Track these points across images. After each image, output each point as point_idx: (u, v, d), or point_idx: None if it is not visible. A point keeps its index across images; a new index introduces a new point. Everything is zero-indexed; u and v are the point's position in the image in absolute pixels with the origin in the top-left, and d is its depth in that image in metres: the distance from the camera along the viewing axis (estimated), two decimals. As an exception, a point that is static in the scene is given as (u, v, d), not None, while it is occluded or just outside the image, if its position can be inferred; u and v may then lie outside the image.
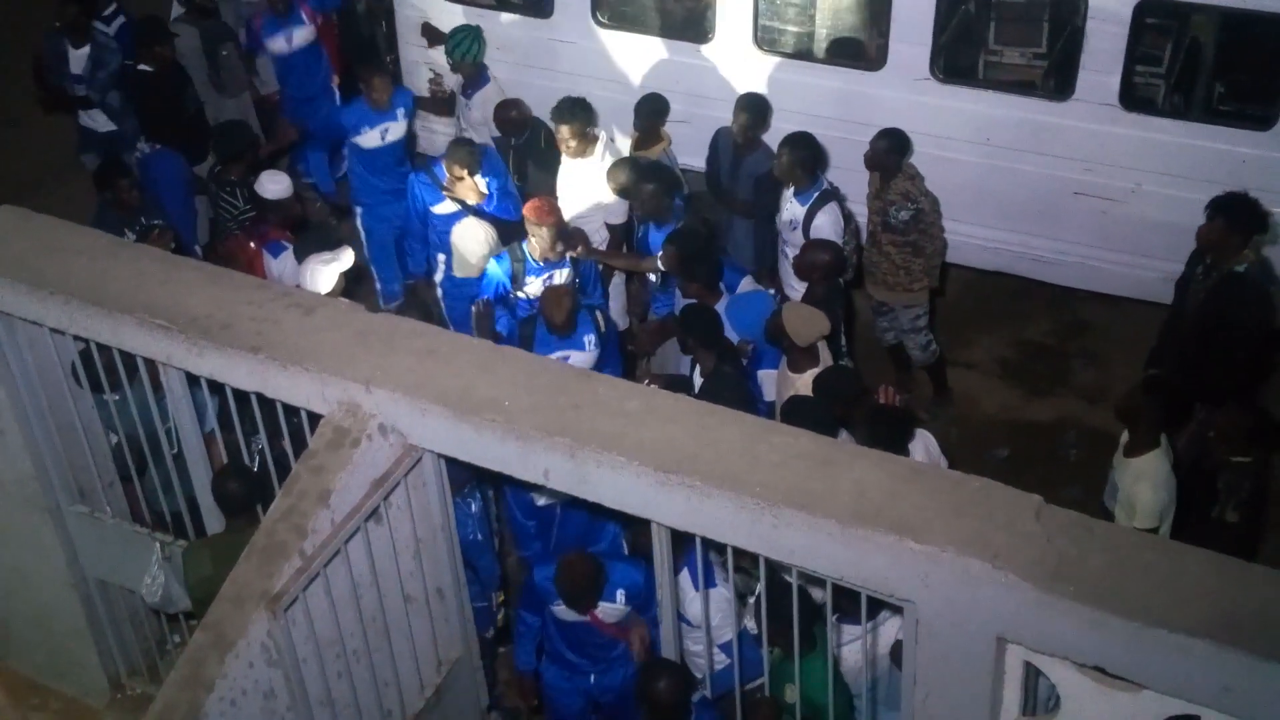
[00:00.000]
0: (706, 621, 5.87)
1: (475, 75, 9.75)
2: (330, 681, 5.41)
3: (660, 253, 8.06)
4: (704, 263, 7.83)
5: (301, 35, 10.54)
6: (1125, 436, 6.72)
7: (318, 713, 5.38)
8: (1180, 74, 8.81)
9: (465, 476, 6.21)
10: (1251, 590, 4.13)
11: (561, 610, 6.44)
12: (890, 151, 8.38)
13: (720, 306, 7.67)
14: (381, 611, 5.60)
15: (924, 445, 6.78)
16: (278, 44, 10.54)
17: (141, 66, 9.90)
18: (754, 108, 8.78)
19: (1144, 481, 6.46)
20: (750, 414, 6.87)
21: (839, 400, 6.81)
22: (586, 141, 8.79)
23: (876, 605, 5.07)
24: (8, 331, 6.18)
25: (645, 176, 8.39)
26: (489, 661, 6.81)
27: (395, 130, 9.64)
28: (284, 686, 5.17)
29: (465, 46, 9.66)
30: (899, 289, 8.71)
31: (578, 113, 8.76)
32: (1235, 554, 6.69)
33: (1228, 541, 6.87)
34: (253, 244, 8.41)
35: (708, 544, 4.94)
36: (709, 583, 5.75)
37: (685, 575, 5.72)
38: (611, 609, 6.37)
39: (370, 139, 9.57)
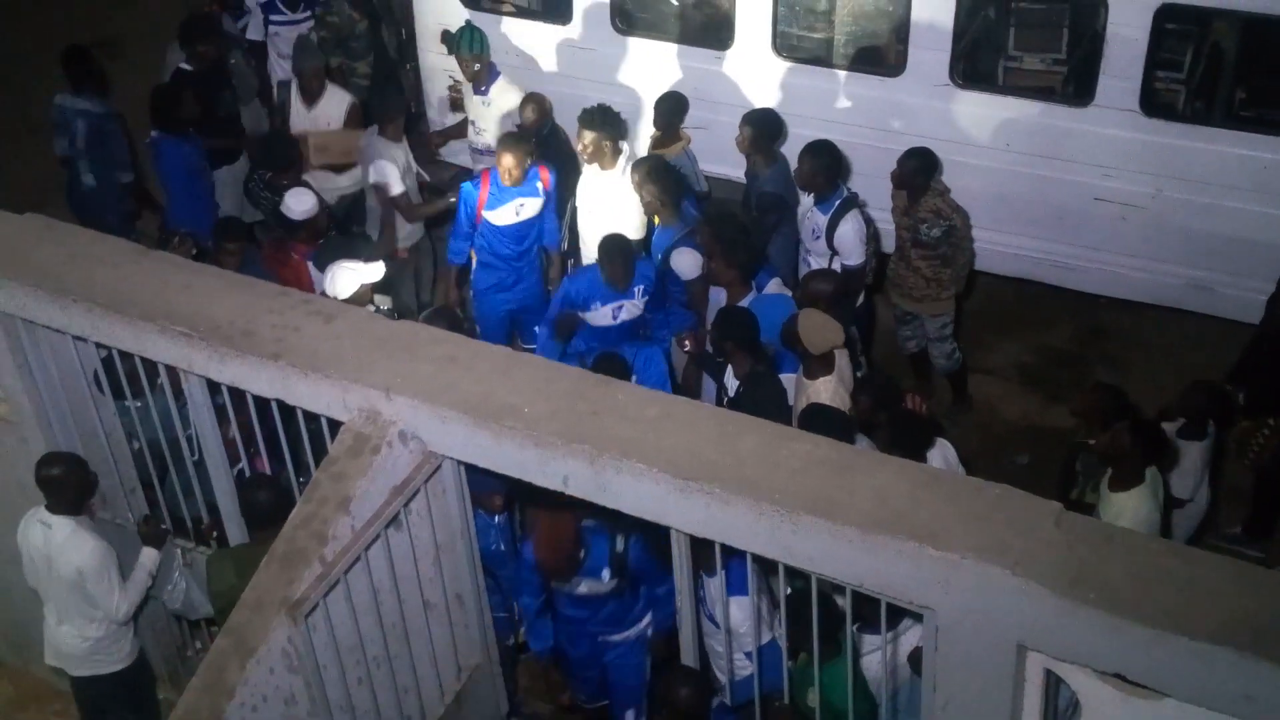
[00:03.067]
0: (726, 626, 5.86)
1: (486, 71, 9.75)
2: (351, 688, 5.43)
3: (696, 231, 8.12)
4: (744, 249, 7.83)
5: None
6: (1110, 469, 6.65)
7: (338, 719, 5.39)
8: (1201, 79, 8.78)
9: (495, 488, 6.23)
10: (1273, 597, 4.11)
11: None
12: (919, 171, 8.32)
13: (748, 301, 7.69)
14: (402, 618, 5.62)
15: (942, 454, 6.76)
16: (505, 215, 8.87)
17: (183, 65, 9.92)
18: (756, 121, 8.71)
19: (1124, 519, 6.33)
20: (789, 415, 6.95)
21: (877, 403, 6.81)
22: (611, 154, 8.76)
23: (898, 615, 5.07)
24: (31, 339, 6.23)
25: (648, 178, 8.36)
26: (509, 669, 6.81)
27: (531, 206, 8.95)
28: (304, 693, 5.19)
29: (469, 39, 9.66)
30: (927, 300, 8.68)
31: (605, 122, 8.73)
32: None
33: None
34: (295, 256, 8.45)
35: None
36: (741, 590, 5.73)
37: (721, 578, 5.70)
38: (597, 584, 6.32)
39: (505, 215, 8.85)
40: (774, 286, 7.96)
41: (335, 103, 9.94)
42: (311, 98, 9.91)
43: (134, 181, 9.89)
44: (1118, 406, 6.77)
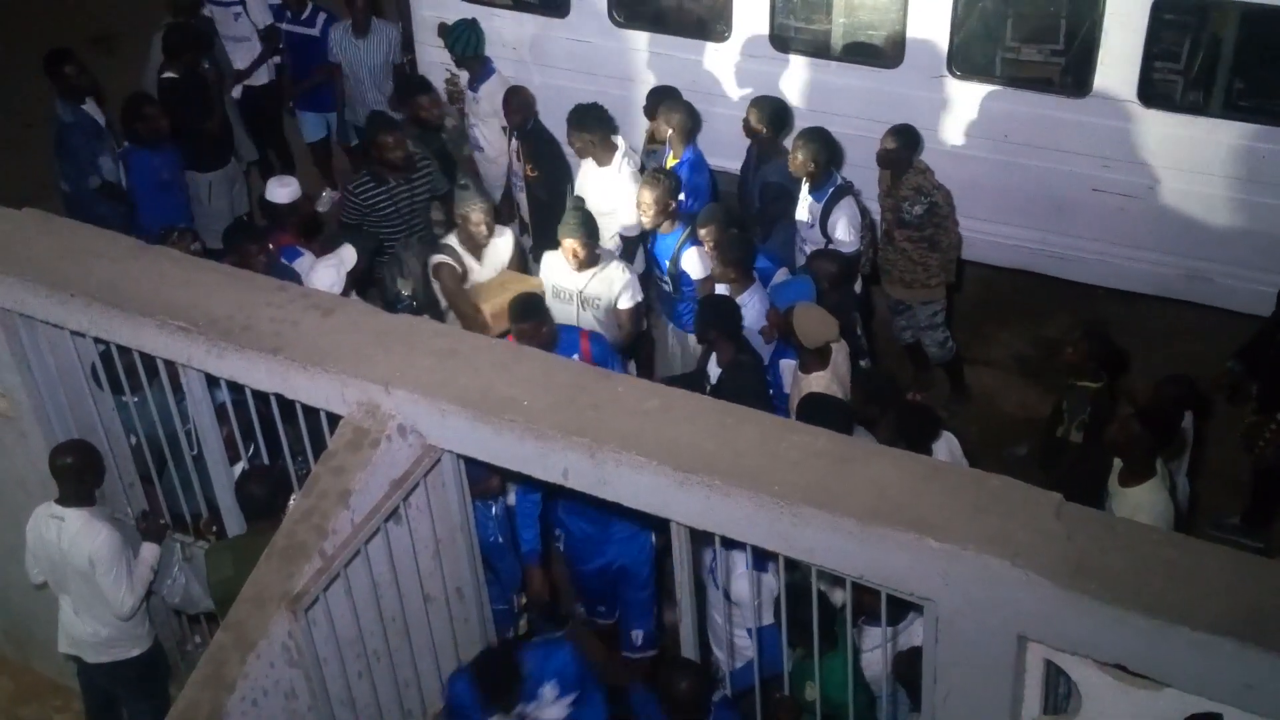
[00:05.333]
0: (727, 604, 5.87)
1: (480, 68, 9.72)
2: (351, 681, 5.43)
3: (700, 230, 8.01)
4: (741, 245, 7.83)
5: None
6: (1119, 462, 6.64)
7: (339, 712, 5.40)
8: (1198, 69, 8.76)
9: (485, 477, 6.22)
10: (1273, 587, 4.12)
11: None
12: (902, 149, 8.36)
13: (753, 293, 7.69)
14: (401, 611, 5.62)
15: (948, 446, 6.77)
16: None
17: (167, 74, 9.84)
18: (762, 105, 8.72)
19: (1141, 514, 6.34)
20: (768, 405, 6.96)
21: (876, 402, 6.83)
22: (605, 150, 8.74)
23: (903, 610, 5.07)
24: (29, 334, 6.22)
25: (649, 186, 8.21)
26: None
27: None
28: (305, 686, 5.19)
29: (465, 40, 9.64)
30: (916, 286, 8.69)
31: (589, 121, 8.69)
32: (1078, 469, 7.00)
33: (1072, 459, 7.23)
34: (271, 246, 8.39)
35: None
36: (759, 566, 5.72)
37: (737, 552, 5.70)
38: (544, 710, 5.89)
39: None
40: (780, 277, 7.97)
41: (504, 242, 8.35)
42: (480, 248, 8.22)
43: (109, 183, 9.49)
44: (1107, 353, 7.14)
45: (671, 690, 5.52)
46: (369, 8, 10.47)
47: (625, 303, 7.98)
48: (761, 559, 5.54)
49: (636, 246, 8.78)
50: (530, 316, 7.14)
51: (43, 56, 9.66)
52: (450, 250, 8.14)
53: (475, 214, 8.04)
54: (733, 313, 7.36)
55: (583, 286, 7.90)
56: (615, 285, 7.95)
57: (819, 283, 7.66)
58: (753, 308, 7.69)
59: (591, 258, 7.85)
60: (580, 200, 8.51)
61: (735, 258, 7.72)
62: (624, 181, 8.64)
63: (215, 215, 9.89)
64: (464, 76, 9.97)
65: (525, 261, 8.72)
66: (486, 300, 8.00)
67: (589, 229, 7.87)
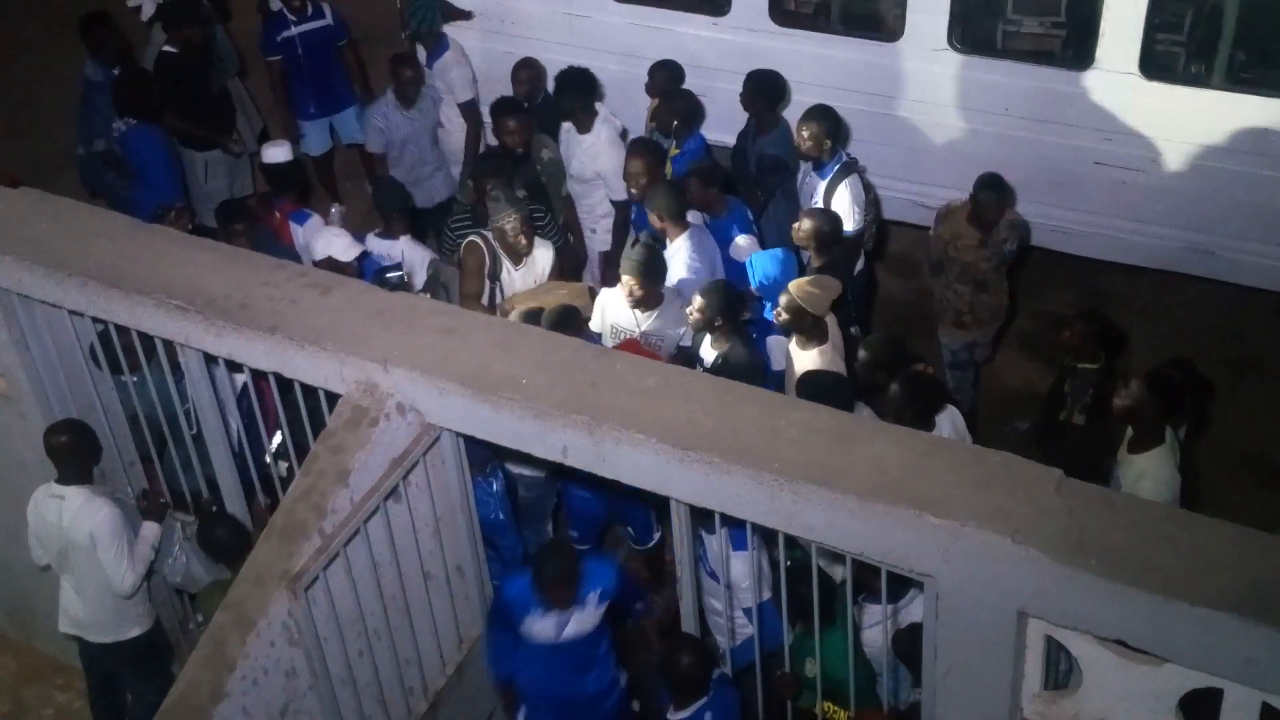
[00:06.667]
0: (727, 581, 5.86)
1: (435, 43, 9.65)
2: (351, 660, 5.44)
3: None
4: (669, 193, 7.75)
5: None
6: (1129, 430, 6.60)
7: (339, 691, 5.40)
8: (1201, 41, 8.72)
9: (486, 455, 6.22)
10: (1274, 562, 4.11)
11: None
12: (1003, 201, 7.95)
13: (686, 239, 7.67)
14: (402, 590, 5.62)
15: (951, 421, 6.73)
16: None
17: (166, 48, 9.78)
18: (758, 78, 8.66)
19: (1146, 480, 6.35)
20: (762, 386, 6.92)
21: (884, 368, 6.79)
22: (587, 116, 8.71)
23: (903, 586, 5.07)
24: (27, 314, 6.22)
25: (632, 152, 8.23)
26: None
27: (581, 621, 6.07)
28: (305, 665, 5.20)
29: (422, 14, 9.56)
30: (1001, 311, 8.43)
31: (575, 86, 8.66)
32: (1082, 452, 7.02)
33: (1075, 441, 7.26)
34: (278, 215, 8.38)
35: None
36: (742, 545, 5.71)
37: (725, 534, 5.69)
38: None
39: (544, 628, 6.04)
40: (744, 242, 7.92)
41: (543, 253, 7.93)
42: (519, 256, 7.80)
43: (113, 151, 9.50)
44: (1104, 333, 7.15)
45: (672, 666, 5.53)
46: (420, 78, 9.59)
47: (688, 340, 7.48)
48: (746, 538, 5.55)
49: (629, 210, 8.75)
50: (563, 327, 6.66)
51: (80, 20, 9.77)
52: (488, 241, 7.75)
53: (510, 225, 7.58)
54: (739, 301, 7.30)
55: (644, 326, 7.42)
56: (680, 326, 7.42)
57: (806, 244, 7.61)
58: (683, 252, 7.67)
59: (650, 299, 7.34)
60: (650, 237, 7.70)
61: (661, 204, 7.67)
62: (603, 146, 8.65)
63: (211, 194, 9.82)
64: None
65: (563, 275, 8.27)
66: (528, 300, 7.55)
67: (650, 271, 7.29)
